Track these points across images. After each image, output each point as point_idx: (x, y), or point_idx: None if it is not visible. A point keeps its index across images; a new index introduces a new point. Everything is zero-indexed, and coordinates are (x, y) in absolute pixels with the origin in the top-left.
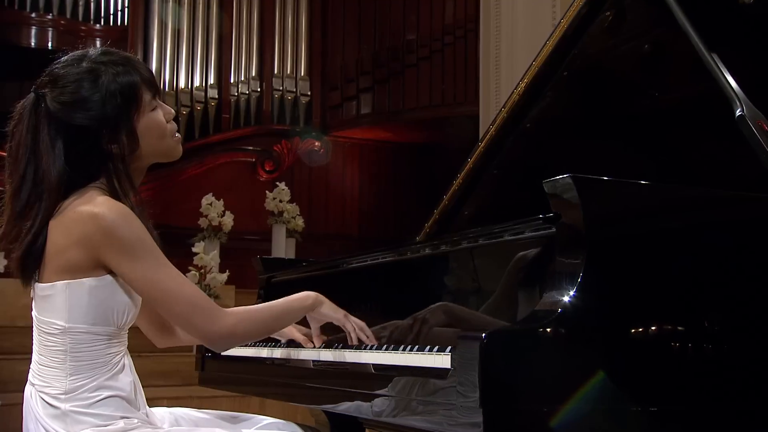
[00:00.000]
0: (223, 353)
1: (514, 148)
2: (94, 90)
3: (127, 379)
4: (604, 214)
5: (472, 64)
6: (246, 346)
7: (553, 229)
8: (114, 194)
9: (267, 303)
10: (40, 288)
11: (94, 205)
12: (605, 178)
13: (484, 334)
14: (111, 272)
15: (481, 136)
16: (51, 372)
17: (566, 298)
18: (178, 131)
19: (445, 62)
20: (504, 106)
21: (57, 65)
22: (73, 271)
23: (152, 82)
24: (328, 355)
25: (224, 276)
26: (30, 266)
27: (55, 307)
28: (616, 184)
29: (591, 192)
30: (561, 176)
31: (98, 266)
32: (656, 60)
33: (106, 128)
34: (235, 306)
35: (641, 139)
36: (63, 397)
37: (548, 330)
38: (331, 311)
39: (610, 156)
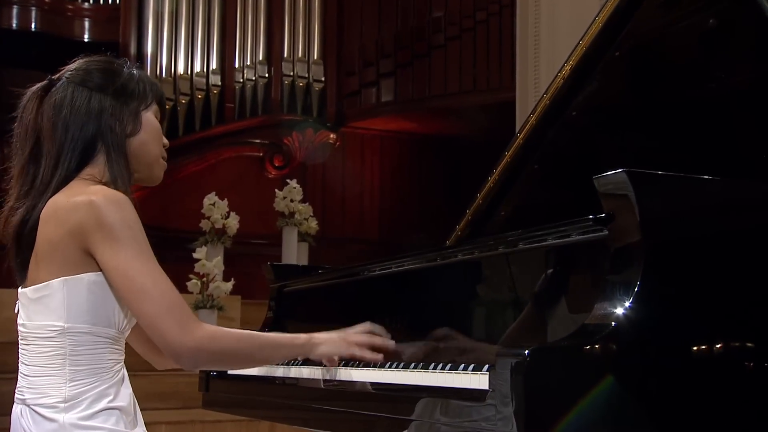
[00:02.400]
0: (229, 372)
1: (558, 140)
2: (117, 72)
3: (127, 391)
4: (665, 214)
5: (507, 45)
6: None
7: (605, 232)
8: (112, 180)
9: (254, 332)
10: (30, 291)
11: (90, 193)
12: (665, 172)
13: (526, 351)
14: None
15: (519, 126)
16: (47, 381)
17: (620, 311)
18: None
19: (476, 43)
20: (546, 92)
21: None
22: (69, 267)
23: (163, 105)
24: (345, 373)
25: (229, 285)
26: (19, 252)
27: (52, 307)
28: (677, 180)
29: (649, 189)
30: (614, 171)
31: (90, 259)
32: (722, 36)
33: (115, 104)
34: (241, 319)
35: (705, 128)
36: (62, 406)
37: (597, 346)
38: (331, 348)
39: (669, 148)
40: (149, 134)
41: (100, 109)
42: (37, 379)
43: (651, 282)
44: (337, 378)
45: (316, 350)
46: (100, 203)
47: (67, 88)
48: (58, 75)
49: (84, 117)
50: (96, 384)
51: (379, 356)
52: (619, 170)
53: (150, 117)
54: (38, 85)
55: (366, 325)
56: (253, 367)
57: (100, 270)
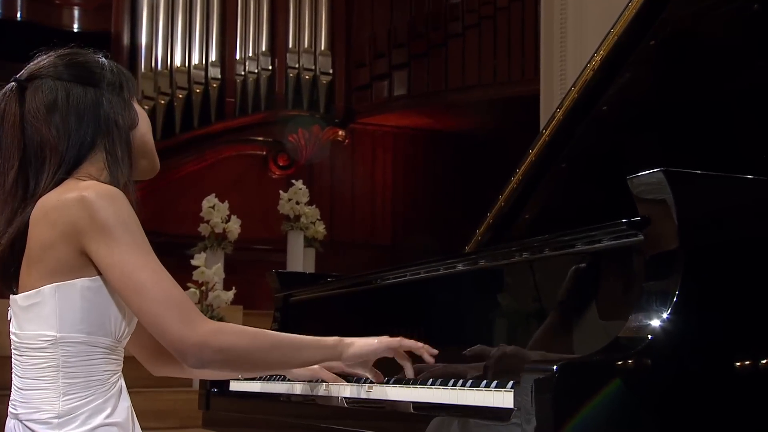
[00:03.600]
0: (232, 388)
1: (588, 137)
2: (98, 63)
3: (125, 404)
4: (705, 216)
5: (531, 34)
6: (261, 379)
7: (640, 237)
8: (112, 177)
9: (272, 330)
10: (21, 298)
11: (81, 189)
12: (705, 172)
13: (555, 366)
14: None
15: (544, 122)
16: (40, 395)
17: (657, 323)
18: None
19: (497, 31)
20: (574, 85)
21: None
22: (62, 272)
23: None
24: (358, 391)
25: (230, 294)
26: (9, 262)
27: (43, 316)
28: (718, 180)
29: (688, 189)
30: (650, 171)
31: (86, 261)
32: (767, 22)
33: (111, 97)
34: None
35: (748, 123)
36: (56, 422)
37: (631, 362)
38: (365, 349)
39: (709, 145)
40: (144, 123)
41: (98, 104)
42: (30, 393)
43: (690, 291)
44: (349, 395)
45: (347, 352)
46: (92, 199)
47: (54, 86)
48: (27, 75)
49: (82, 114)
50: (91, 398)
51: (425, 354)
52: (656, 169)
53: (137, 105)
54: (7, 87)
55: (406, 342)
56: (270, 371)
57: (96, 274)
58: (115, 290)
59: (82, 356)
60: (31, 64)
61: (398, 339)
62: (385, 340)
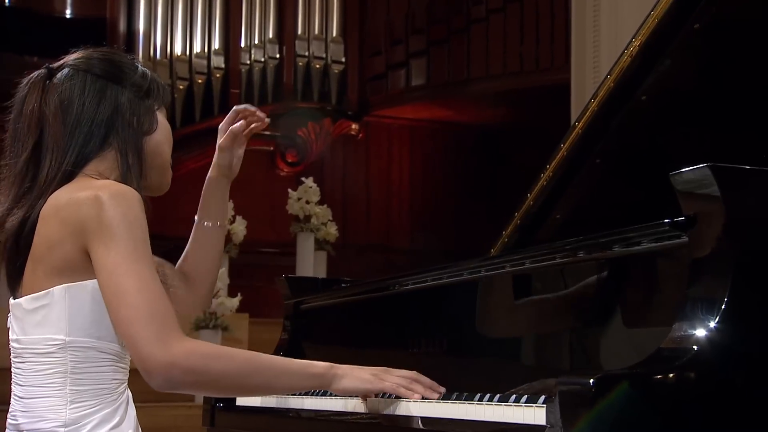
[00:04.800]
0: (239, 403)
1: (625, 130)
2: (131, 66)
3: (132, 413)
4: (757, 216)
5: (561, 18)
6: None
7: (684, 238)
8: (123, 178)
9: (254, 352)
10: (27, 301)
11: (96, 188)
12: (756, 167)
13: (591, 380)
14: None
15: (575, 113)
16: (45, 403)
17: (702, 333)
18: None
19: (524, 15)
20: (609, 74)
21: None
22: (69, 271)
23: (168, 110)
24: (376, 406)
25: (235, 301)
26: (15, 256)
27: (52, 319)
28: None
29: (738, 186)
30: (695, 166)
31: (89, 261)
32: None
33: (132, 98)
34: (249, 341)
35: None
36: (62, 430)
37: (673, 375)
38: (357, 383)
39: (759, 139)
40: (164, 135)
41: (117, 101)
42: (34, 401)
43: (740, 298)
44: (365, 411)
45: (338, 383)
46: (104, 199)
47: (76, 76)
48: (59, 64)
49: (98, 108)
50: (100, 406)
51: (415, 395)
52: (702, 165)
53: (162, 118)
54: (36, 73)
55: (412, 373)
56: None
57: None
58: (101, 290)
59: (91, 362)
60: (71, 54)
61: (397, 376)
62: (387, 378)
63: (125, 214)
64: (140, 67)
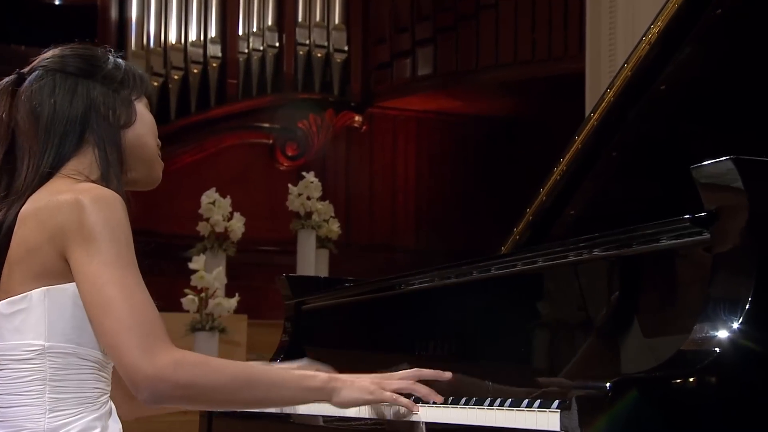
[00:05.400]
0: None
1: (643, 121)
2: (102, 58)
3: (117, 426)
4: None
5: (575, 4)
6: None
7: (706, 235)
8: (103, 176)
9: (247, 363)
10: (4, 305)
11: (78, 191)
12: None
13: (608, 384)
14: None
15: (590, 104)
16: (22, 411)
17: (725, 334)
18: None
19: (536, 1)
20: (626, 62)
21: None
22: (51, 276)
23: (152, 99)
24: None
25: (233, 302)
26: None
27: (30, 324)
28: None
29: (763, 180)
30: (718, 159)
31: (67, 267)
32: None
33: (106, 91)
34: (247, 344)
35: None
36: None
37: (693, 379)
38: (357, 393)
39: None
40: (145, 126)
41: (89, 96)
42: (11, 410)
43: (765, 298)
44: (369, 416)
45: (338, 395)
46: (85, 203)
47: (46, 77)
48: (29, 67)
49: (71, 106)
50: (81, 415)
51: (415, 405)
52: (724, 158)
53: (143, 109)
54: (6, 79)
55: (413, 372)
56: (242, 409)
57: None
58: (82, 301)
59: (71, 369)
60: (42, 55)
61: (398, 386)
62: (387, 387)
63: (107, 219)
64: (113, 58)
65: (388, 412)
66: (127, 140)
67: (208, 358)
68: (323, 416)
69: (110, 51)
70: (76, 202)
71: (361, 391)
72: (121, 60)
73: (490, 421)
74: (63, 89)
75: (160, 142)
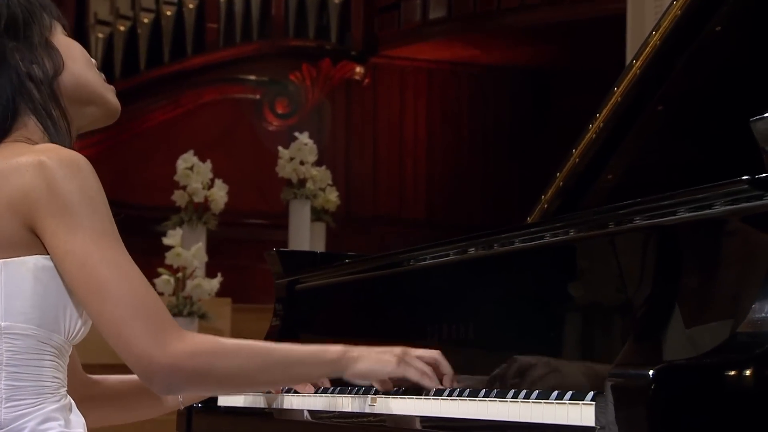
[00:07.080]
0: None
1: (694, 70)
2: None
3: (80, 420)
4: None
5: None
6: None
7: (767, 200)
8: (52, 140)
9: (259, 342)
10: None
11: (39, 152)
12: None
13: (651, 371)
14: None
15: (632, 50)
16: None
17: None
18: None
19: None
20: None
21: None
22: (9, 247)
23: (63, 20)
24: (381, 405)
25: (214, 283)
26: None
27: None
28: None
29: None
30: None
31: (34, 239)
32: None
33: (17, 44)
34: (231, 330)
35: None
36: None
37: (749, 366)
38: (375, 365)
39: None
40: (76, 59)
41: (3, 57)
42: None
43: None
44: (367, 410)
45: (354, 367)
46: (52, 166)
47: None
48: None
49: None
50: (42, 405)
51: (438, 385)
52: None
53: (63, 39)
54: None
55: (435, 352)
56: (255, 391)
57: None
58: (71, 285)
59: (31, 354)
60: None
61: (420, 355)
62: (412, 363)
63: (82, 187)
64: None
65: (394, 406)
66: (64, 87)
67: (221, 342)
68: (318, 411)
69: None
70: (40, 164)
71: (380, 362)
72: None
73: (514, 415)
74: None
75: (95, 61)
